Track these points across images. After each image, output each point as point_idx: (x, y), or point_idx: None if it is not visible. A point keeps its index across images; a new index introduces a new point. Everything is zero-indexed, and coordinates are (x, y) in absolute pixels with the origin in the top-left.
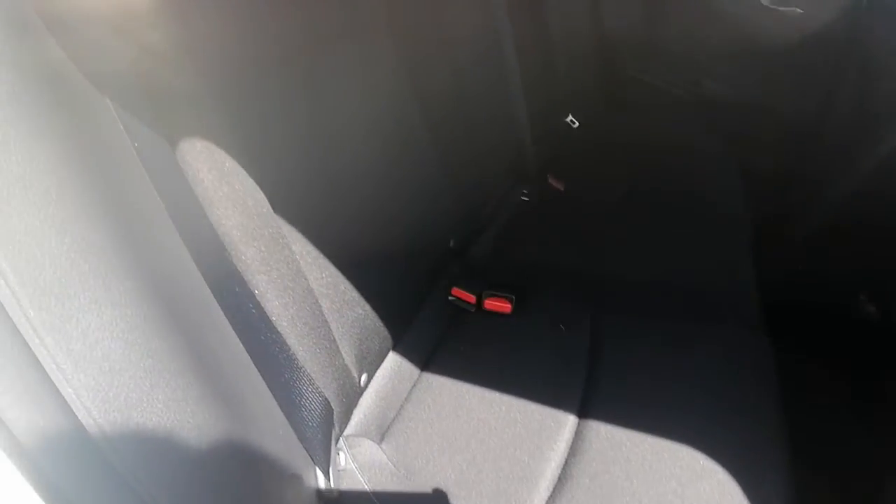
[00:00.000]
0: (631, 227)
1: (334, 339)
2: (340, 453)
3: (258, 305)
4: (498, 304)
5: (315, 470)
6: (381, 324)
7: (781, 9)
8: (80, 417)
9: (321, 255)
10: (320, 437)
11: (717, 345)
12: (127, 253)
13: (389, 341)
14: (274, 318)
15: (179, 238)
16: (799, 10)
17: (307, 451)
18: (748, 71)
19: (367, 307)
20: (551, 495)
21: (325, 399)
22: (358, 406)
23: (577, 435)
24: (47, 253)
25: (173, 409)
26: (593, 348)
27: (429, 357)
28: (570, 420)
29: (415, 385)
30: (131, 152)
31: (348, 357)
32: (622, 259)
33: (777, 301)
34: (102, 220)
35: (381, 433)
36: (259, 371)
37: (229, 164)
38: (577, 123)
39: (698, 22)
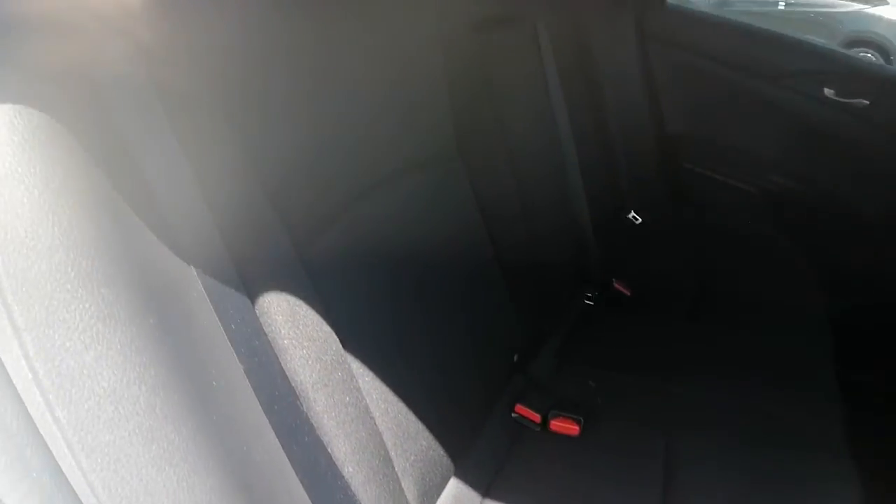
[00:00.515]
0: (703, 334)
1: (397, 478)
2: None
3: (325, 451)
4: (565, 426)
5: None
6: (444, 452)
7: (846, 100)
8: None
9: (387, 389)
10: None
11: (802, 472)
12: (208, 450)
13: (452, 469)
14: (339, 463)
15: (258, 402)
16: (865, 102)
17: None
18: (816, 165)
19: (430, 437)
20: None
21: None
22: None
23: None
24: (134, 463)
25: None
26: (667, 476)
27: (491, 482)
28: None
29: None
30: (214, 320)
31: (410, 494)
32: (695, 371)
33: (861, 418)
34: (186, 424)
35: None
36: None
37: (303, 311)
38: (640, 220)
39: (761, 117)
